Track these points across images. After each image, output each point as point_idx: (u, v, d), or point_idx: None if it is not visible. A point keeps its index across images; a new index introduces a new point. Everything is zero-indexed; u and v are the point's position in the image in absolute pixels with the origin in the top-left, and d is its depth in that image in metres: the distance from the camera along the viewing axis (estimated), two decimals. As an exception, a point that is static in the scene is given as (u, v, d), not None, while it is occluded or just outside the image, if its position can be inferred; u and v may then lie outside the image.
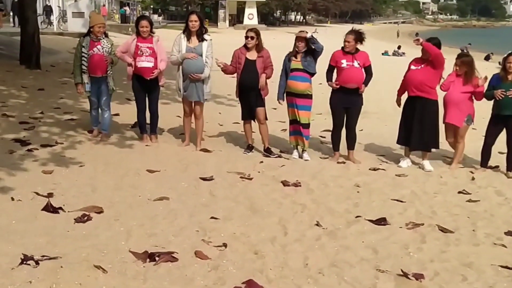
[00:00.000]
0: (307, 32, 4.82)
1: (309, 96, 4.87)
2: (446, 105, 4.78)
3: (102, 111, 5.09)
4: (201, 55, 4.74)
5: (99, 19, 5.03)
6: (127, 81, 5.10)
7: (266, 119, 5.01)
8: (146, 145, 5.05)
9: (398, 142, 5.06)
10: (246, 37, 4.81)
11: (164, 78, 5.15)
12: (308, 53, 4.77)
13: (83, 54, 4.85)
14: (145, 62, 4.81)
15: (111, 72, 5.00)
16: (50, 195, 3.49)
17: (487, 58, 21.06)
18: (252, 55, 4.81)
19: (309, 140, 5.06)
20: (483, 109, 5.04)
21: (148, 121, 5.21)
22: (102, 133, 5.08)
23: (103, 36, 4.92)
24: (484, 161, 4.89)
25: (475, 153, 5.09)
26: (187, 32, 4.78)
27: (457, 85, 4.73)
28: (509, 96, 4.53)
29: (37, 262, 2.52)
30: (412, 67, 4.79)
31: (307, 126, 4.94)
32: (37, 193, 3.51)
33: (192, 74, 4.74)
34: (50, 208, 3.24)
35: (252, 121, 5.04)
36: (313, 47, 4.70)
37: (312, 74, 4.83)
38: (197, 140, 5.07)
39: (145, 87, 4.98)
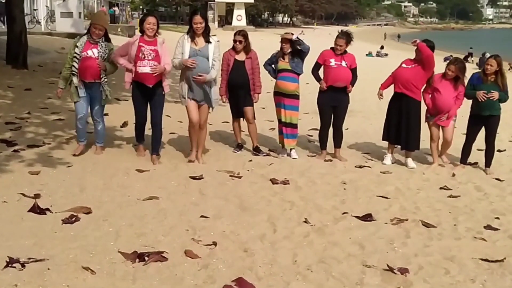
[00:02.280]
0: (292, 34, 4.87)
1: (297, 97, 4.95)
2: (440, 108, 4.82)
3: (94, 121, 4.55)
4: (207, 58, 4.32)
5: (98, 19, 4.42)
6: (125, 88, 4.51)
7: (254, 118, 5.05)
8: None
9: (383, 139, 5.15)
10: (235, 41, 4.82)
11: (169, 85, 4.59)
12: (294, 54, 4.83)
13: (75, 55, 4.32)
14: (147, 68, 4.18)
15: (105, 79, 4.42)
16: (37, 196, 3.45)
17: (465, 58, 21.70)
18: (241, 57, 4.84)
19: (297, 139, 5.12)
20: (462, 108, 5.17)
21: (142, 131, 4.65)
22: (97, 146, 4.60)
23: (102, 39, 4.37)
24: (464, 158, 5.03)
25: (456, 150, 5.24)
26: (191, 33, 4.35)
27: (448, 89, 4.79)
28: (490, 98, 4.66)
29: (23, 265, 2.49)
30: (403, 65, 4.89)
31: (295, 126, 5.01)
32: (24, 194, 3.46)
33: (195, 76, 4.30)
34: (37, 209, 3.21)
35: (242, 119, 5.06)
36: (300, 48, 4.76)
37: (299, 74, 4.89)
38: (198, 152, 4.62)
39: (147, 96, 4.36)
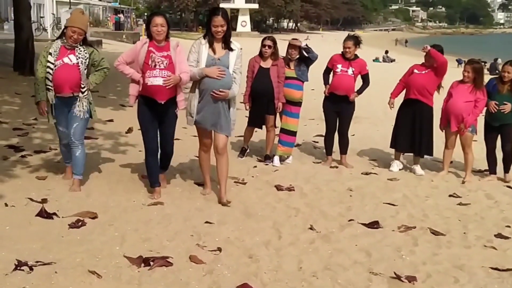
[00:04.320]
0: (300, 41, 4.80)
1: (300, 104, 4.93)
2: (449, 113, 4.69)
3: (70, 144, 3.63)
4: (228, 68, 3.49)
5: (76, 21, 3.52)
6: (130, 104, 3.66)
7: (276, 126, 4.99)
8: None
9: (391, 146, 5.06)
10: (264, 46, 4.61)
11: (184, 100, 3.61)
12: (301, 62, 4.78)
13: (48, 64, 3.48)
14: (159, 79, 3.35)
15: (85, 93, 3.58)
16: (44, 200, 3.48)
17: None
18: (266, 64, 4.69)
19: (292, 148, 5.02)
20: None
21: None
22: (74, 178, 3.67)
23: (80, 43, 3.56)
24: (492, 167, 4.80)
25: (461, 156, 5.13)
26: (209, 38, 3.51)
27: (461, 93, 4.63)
28: (501, 111, 4.54)
29: (31, 268, 2.52)
30: (416, 71, 4.79)
31: (294, 133, 4.95)
32: (31, 199, 3.49)
33: (216, 90, 3.44)
34: (44, 214, 3.23)
35: (258, 129, 4.95)
36: (308, 55, 4.71)
37: (304, 82, 4.87)
38: (221, 187, 3.66)
39: (157, 115, 3.51)
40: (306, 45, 4.76)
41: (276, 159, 4.91)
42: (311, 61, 4.77)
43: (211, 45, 3.50)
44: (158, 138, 3.63)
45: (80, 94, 3.59)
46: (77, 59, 3.54)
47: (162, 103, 3.45)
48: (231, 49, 3.53)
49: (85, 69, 3.61)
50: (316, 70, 5.00)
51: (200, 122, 3.55)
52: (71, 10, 18.99)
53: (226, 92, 3.48)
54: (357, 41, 4.80)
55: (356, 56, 4.85)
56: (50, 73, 3.51)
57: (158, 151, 3.65)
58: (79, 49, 3.57)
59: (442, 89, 4.82)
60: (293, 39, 4.96)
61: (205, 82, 3.47)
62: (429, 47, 4.70)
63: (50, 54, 3.52)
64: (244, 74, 3.92)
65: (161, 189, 3.75)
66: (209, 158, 3.76)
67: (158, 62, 3.40)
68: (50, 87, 3.53)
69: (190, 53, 3.55)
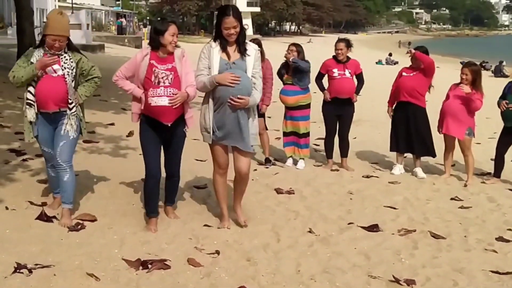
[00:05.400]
0: (291, 55, 4.75)
1: (304, 107, 4.92)
2: (445, 115, 4.69)
3: (57, 167, 3.09)
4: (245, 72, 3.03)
5: (56, 28, 2.97)
6: (132, 121, 3.17)
7: (267, 129, 5.00)
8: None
9: (392, 150, 5.07)
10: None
11: (193, 118, 3.16)
12: (297, 71, 4.79)
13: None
14: (164, 99, 2.90)
15: (74, 110, 3.05)
16: (44, 204, 3.49)
17: (481, 65, 21.42)
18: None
19: (308, 149, 5.08)
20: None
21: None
22: (63, 208, 3.13)
23: (65, 49, 3.05)
24: (497, 170, 4.76)
25: (461, 158, 5.11)
26: (221, 42, 3.03)
27: (458, 95, 4.63)
28: (510, 109, 4.49)
29: (30, 271, 2.53)
30: (404, 73, 4.86)
31: (307, 135, 4.97)
32: (32, 202, 3.51)
33: (234, 97, 2.93)
34: (44, 217, 3.24)
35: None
36: (298, 67, 4.70)
37: (303, 87, 4.84)
38: (237, 206, 3.28)
39: (163, 136, 3.07)
40: (292, 60, 4.74)
41: (302, 162, 4.98)
42: (306, 70, 4.78)
43: (223, 48, 3.01)
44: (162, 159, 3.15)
45: (68, 111, 3.05)
46: (62, 69, 3.01)
47: (169, 125, 2.98)
48: (246, 53, 3.03)
49: (72, 80, 3.05)
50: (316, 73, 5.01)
51: (222, 137, 3.01)
52: (73, 14, 19.03)
53: (246, 99, 2.94)
54: (348, 43, 4.87)
55: (348, 58, 4.89)
56: (32, 86, 3.00)
57: (161, 174, 3.13)
58: (64, 57, 3.04)
59: (433, 89, 4.83)
60: (291, 44, 4.98)
61: (219, 89, 2.95)
62: (413, 51, 4.75)
63: (32, 63, 2.99)
64: None
65: (168, 211, 3.32)
66: (225, 183, 3.21)
67: (163, 77, 2.92)
68: (31, 102, 3.01)
69: (199, 59, 3.05)
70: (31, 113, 3.05)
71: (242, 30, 3.03)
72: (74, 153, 3.22)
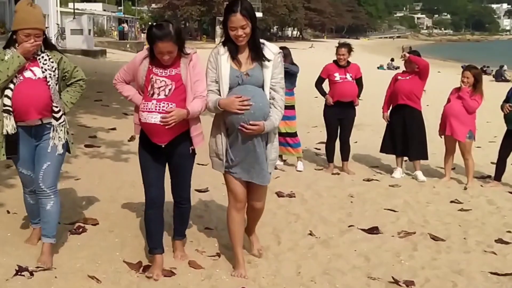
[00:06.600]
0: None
1: (289, 107, 4.90)
2: (447, 117, 4.70)
3: (39, 195, 2.55)
4: (262, 87, 2.43)
5: (28, 20, 2.42)
6: (135, 133, 2.67)
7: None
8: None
9: (381, 151, 5.11)
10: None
11: (202, 134, 2.58)
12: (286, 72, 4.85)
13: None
14: (154, 114, 2.36)
15: (62, 120, 2.53)
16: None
17: (482, 71, 21.40)
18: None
19: (301, 148, 5.12)
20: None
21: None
22: (44, 242, 2.59)
23: (41, 49, 2.50)
24: (498, 174, 4.75)
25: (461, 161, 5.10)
26: (230, 46, 2.45)
27: (459, 98, 4.64)
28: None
29: (31, 273, 2.54)
30: (400, 77, 4.93)
31: (295, 134, 5.02)
32: (33, 206, 3.54)
33: (246, 123, 2.37)
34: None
35: None
36: (291, 73, 4.72)
37: (291, 89, 4.86)
38: (251, 232, 2.83)
39: (164, 155, 2.53)
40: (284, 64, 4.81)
41: (300, 163, 5.02)
42: (295, 73, 4.83)
43: (233, 56, 2.42)
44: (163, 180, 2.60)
45: (54, 122, 2.50)
46: (43, 71, 2.46)
47: (163, 146, 2.43)
48: (263, 58, 2.42)
49: (56, 83, 2.51)
50: (315, 79, 5.05)
51: (234, 169, 2.49)
52: (75, 20, 19.06)
53: (260, 125, 2.35)
54: (350, 48, 4.94)
55: (348, 62, 4.94)
56: (10, 89, 2.42)
57: (163, 203, 2.61)
58: (43, 57, 2.49)
59: (425, 93, 4.88)
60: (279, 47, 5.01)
61: (227, 113, 2.39)
62: (408, 55, 4.82)
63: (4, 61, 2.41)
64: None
65: (177, 247, 2.77)
66: (243, 221, 2.64)
67: (159, 88, 2.36)
68: (8, 110, 2.41)
69: (206, 71, 2.49)
70: (9, 125, 2.42)
71: (255, 30, 2.40)
72: (59, 175, 2.62)
